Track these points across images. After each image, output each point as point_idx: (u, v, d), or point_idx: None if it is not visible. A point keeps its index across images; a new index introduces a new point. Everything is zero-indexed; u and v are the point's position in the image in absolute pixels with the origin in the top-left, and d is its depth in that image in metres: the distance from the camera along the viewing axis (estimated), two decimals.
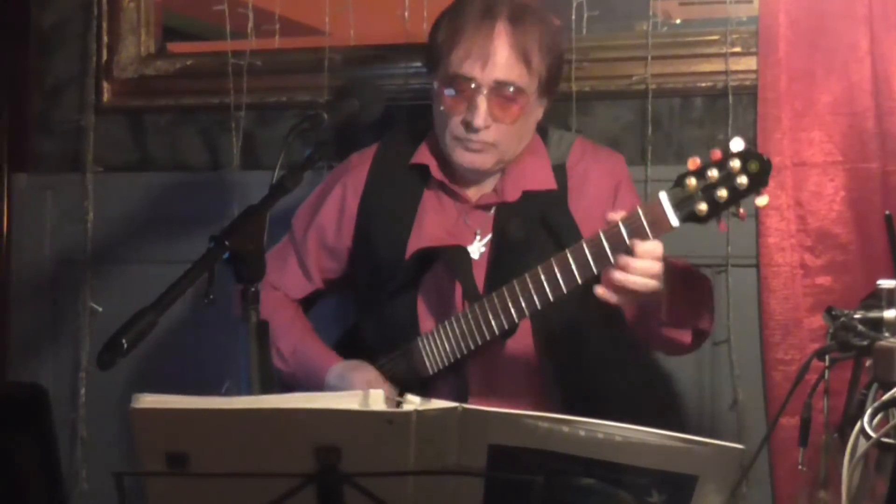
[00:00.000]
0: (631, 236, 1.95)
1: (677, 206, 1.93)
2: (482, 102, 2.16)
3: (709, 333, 2.25)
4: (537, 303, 2.07)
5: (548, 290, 2.04)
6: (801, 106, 2.50)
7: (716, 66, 2.63)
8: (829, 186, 2.49)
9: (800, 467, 1.68)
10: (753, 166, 1.90)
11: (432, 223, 2.28)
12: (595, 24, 2.66)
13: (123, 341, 1.54)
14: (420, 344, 2.21)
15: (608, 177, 2.29)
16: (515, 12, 2.19)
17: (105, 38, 3.07)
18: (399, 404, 1.38)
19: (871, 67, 2.46)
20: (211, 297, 1.66)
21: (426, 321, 2.24)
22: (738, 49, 2.62)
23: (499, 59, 2.16)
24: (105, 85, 3.08)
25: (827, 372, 1.65)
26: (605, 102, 2.71)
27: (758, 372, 2.56)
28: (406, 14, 2.79)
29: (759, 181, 1.90)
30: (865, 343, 1.60)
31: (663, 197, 1.94)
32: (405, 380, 2.22)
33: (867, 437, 1.49)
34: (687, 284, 2.11)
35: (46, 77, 3.16)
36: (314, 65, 2.88)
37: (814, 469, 1.66)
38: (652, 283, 1.96)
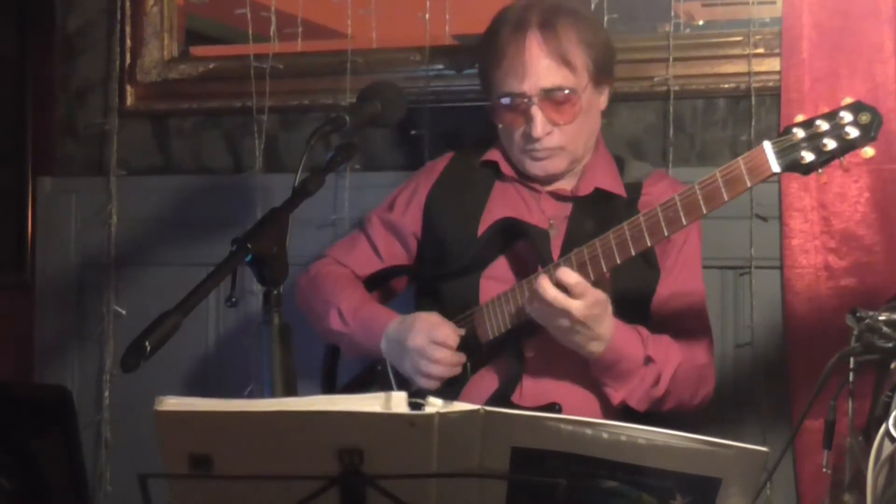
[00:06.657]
0: (727, 185, 1.96)
1: (780, 153, 1.94)
2: (536, 112, 2.19)
3: (640, 408, 2.17)
4: (618, 259, 2.05)
5: (631, 246, 2.03)
6: (825, 107, 2.47)
7: (738, 67, 2.62)
8: (854, 188, 2.48)
9: (824, 470, 1.67)
10: (865, 118, 1.90)
11: (506, 206, 2.30)
12: (615, 25, 2.65)
13: (147, 344, 1.54)
14: (484, 308, 2.21)
15: None
16: (545, 18, 2.21)
17: (129, 43, 3.09)
18: (420, 406, 1.38)
19: (895, 68, 2.45)
20: (233, 299, 1.68)
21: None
22: (761, 50, 2.61)
23: (537, 68, 2.19)
24: (129, 89, 3.10)
25: (851, 374, 1.65)
26: (627, 104, 2.70)
27: (782, 374, 2.54)
28: (427, 16, 2.79)
29: (868, 133, 1.90)
30: (890, 345, 1.59)
31: (766, 145, 1.95)
32: (465, 345, 2.21)
33: (892, 439, 1.49)
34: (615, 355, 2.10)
35: (71, 81, 3.18)
36: (336, 68, 2.89)
37: (838, 472, 1.65)
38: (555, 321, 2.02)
